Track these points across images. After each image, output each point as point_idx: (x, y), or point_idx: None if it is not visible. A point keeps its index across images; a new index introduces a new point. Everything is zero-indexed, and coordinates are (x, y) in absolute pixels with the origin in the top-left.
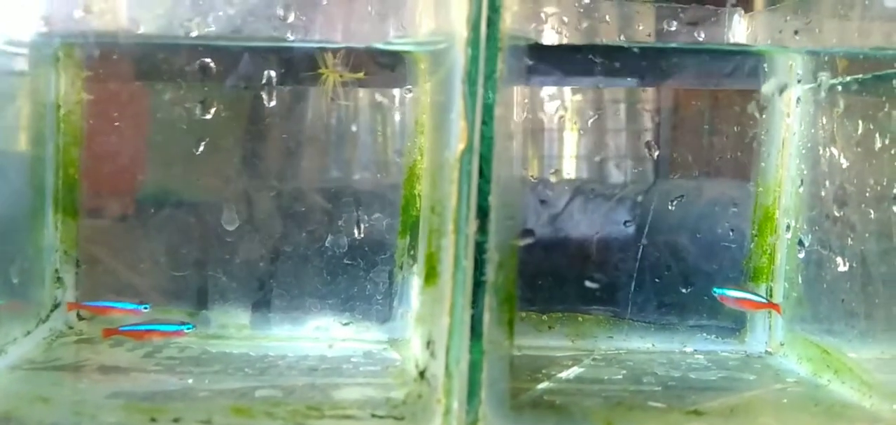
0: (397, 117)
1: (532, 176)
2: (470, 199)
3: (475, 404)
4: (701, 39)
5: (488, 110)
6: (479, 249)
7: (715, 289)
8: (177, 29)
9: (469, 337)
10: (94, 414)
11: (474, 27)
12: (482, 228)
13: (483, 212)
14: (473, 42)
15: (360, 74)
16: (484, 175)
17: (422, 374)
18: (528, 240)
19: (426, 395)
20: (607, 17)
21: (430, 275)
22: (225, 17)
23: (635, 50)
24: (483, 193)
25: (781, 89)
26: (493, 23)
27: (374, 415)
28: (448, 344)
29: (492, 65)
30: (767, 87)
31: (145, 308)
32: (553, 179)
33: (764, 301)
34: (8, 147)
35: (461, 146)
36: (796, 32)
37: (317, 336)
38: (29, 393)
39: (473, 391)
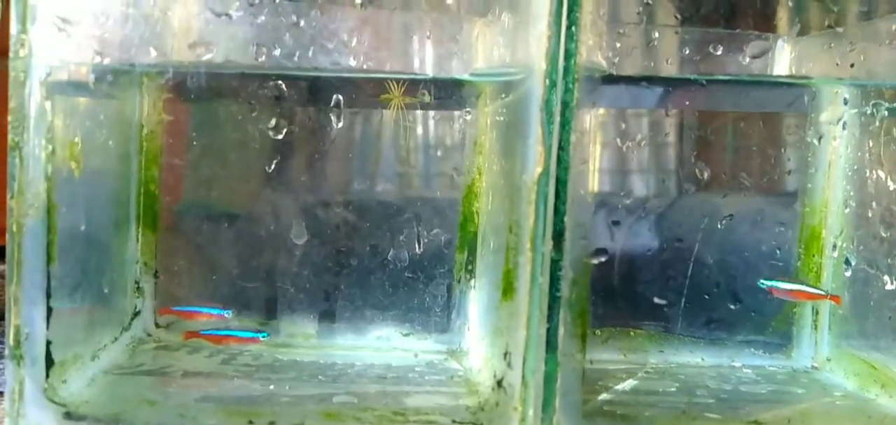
0: (456, 139)
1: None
2: (546, 220)
3: (550, 412)
4: (746, 64)
5: (565, 137)
6: (555, 266)
7: (762, 282)
8: (251, 60)
9: (545, 350)
10: (195, 416)
11: (553, 60)
12: (557, 247)
13: (559, 232)
14: (551, 74)
15: (426, 97)
16: (560, 197)
17: (499, 383)
18: (602, 258)
19: (503, 403)
20: (656, 43)
21: (508, 291)
22: (306, 51)
23: (690, 79)
24: (559, 214)
25: (839, 119)
26: (570, 56)
27: (454, 421)
28: (524, 355)
29: (568, 95)
30: (825, 117)
31: (228, 313)
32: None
33: (820, 292)
34: (101, 166)
35: (538, 170)
36: (837, 63)
37: (378, 345)
38: (135, 396)
39: (548, 400)
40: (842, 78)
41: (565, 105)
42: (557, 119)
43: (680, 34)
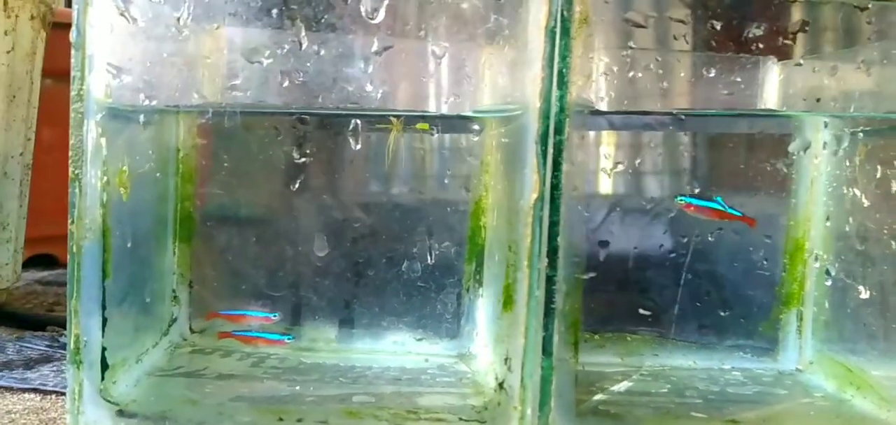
0: (465, 159)
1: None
2: (542, 240)
3: (546, 411)
4: (739, 80)
5: (557, 167)
6: (550, 282)
7: (678, 197)
8: (275, 100)
9: (541, 355)
10: (231, 414)
11: (546, 99)
12: (552, 264)
13: (553, 251)
14: (545, 112)
15: (426, 127)
16: (554, 220)
17: (500, 385)
18: (592, 275)
19: (504, 403)
20: (652, 66)
21: (508, 302)
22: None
23: (678, 114)
24: (553, 235)
25: (805, 147)
26: (561, 95)
27: (461, 419)
28: (523, 360)
29: (560, 129)
30: (794, 147)
31: (275, 316)
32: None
33: (734, 212)
34: (144, 188)
35: (534, 196)
36: (818, 100)
37: (394, 350)
38: (178, 396)
39: (544, 400)
40: (810, 111)
41: (558, 138)
42: (551, 151)
43: (671, 69)
